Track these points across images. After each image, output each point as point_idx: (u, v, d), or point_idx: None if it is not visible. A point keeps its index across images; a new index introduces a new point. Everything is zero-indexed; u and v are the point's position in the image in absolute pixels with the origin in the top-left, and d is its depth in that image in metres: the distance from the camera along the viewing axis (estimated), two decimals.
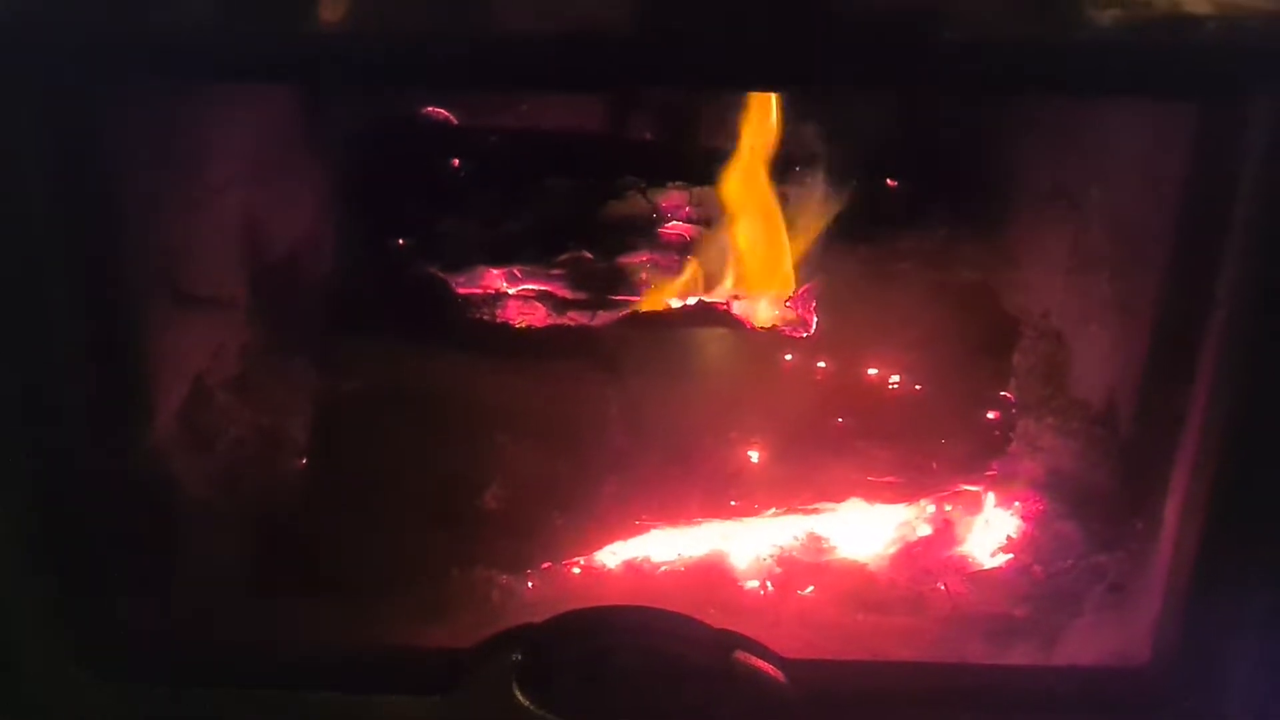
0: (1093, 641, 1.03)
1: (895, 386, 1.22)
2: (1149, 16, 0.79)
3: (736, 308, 1.30)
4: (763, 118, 1.29)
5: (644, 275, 1.35)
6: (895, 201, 1.39)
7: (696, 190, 1.38)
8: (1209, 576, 0.92)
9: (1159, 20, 0.79)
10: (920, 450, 1.17)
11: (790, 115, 1.29)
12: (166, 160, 1.09)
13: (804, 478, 1.16)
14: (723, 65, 0.86)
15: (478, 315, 1.33)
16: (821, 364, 1.23)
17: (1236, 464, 0.90)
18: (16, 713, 0.97)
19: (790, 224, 1.32)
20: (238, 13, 0.80)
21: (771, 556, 1.14)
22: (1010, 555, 1.14)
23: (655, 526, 1.15)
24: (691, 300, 1.32)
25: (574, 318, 1.33)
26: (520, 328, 1.31)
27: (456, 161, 1.41)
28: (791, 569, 1.13)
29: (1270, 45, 0.79)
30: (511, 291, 1.36)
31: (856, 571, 1.13)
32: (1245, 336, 0.88)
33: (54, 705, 0.97)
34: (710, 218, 1.36)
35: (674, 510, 1.15)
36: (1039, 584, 1.10)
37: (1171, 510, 0.95)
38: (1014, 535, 1.15)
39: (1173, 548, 0.95)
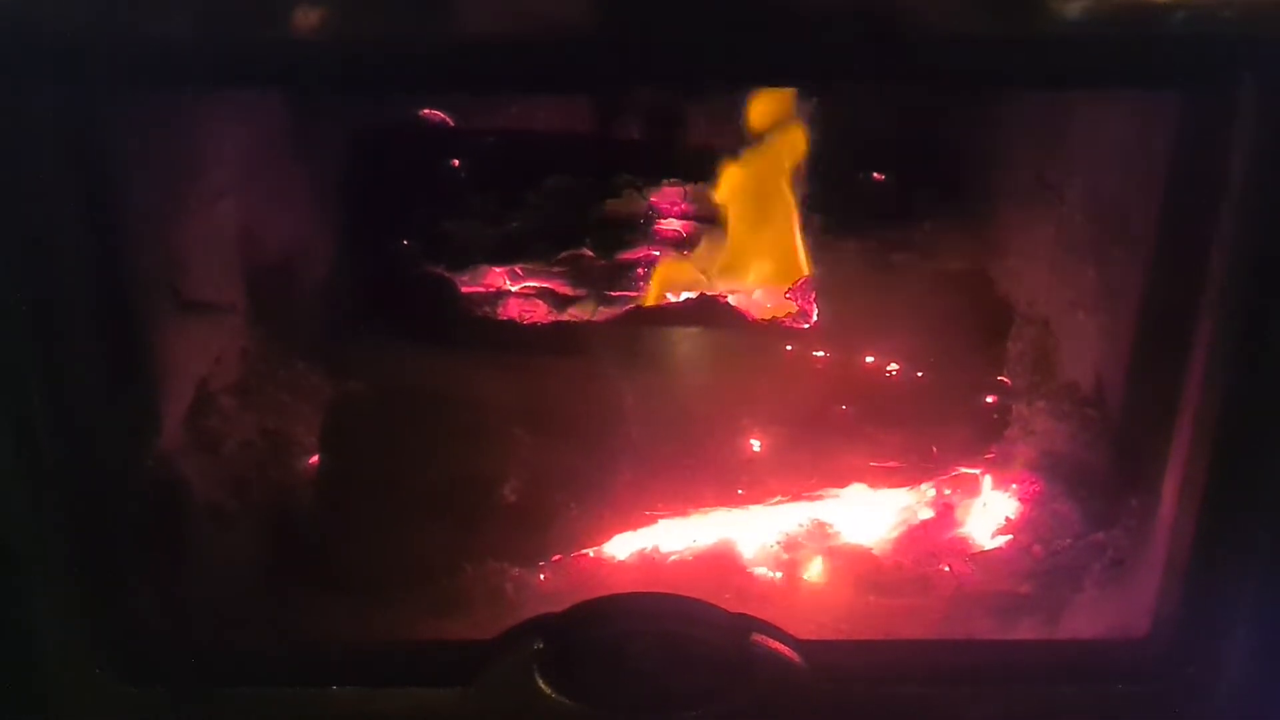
0: (1094, 615, 1.05)
1: (894, 374, 1.23)
2: (1121, 7, 0.80)
3: (736, 301, 1.32)
4: (754, 114, 1.31)
5: (643, 271, 1.37)
6: (888, 194, 1.41)
7: (691, 187, 1.40)
8: (1207, 549, 0.93)
9: (1132, 10, 0.80)
10: (920, 435, 1.19)
11: (782, 111, 1.31)
12: (167, 166, 1.09)
13: (809, 465, 1.17)
14: (701, 65, 0.86)
15: (481, 313, 1.34)
16: (822, 354, 1.24)
17: (1232, 440, 0.91)
18: (38, 716, 0.97)
19: (785, 218, 1.33)
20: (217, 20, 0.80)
21: (780, 543, 1.15)
22: (1011, 535, 1.15)
23: (664, 517, 1.16)
24: (692, 294, 1.33)
25: (575, 314, 1.34)
26: (525, 324, 1.32)
27: (456, 162, 1.42)
28: (801, 554, 1.14)
29: (1247, 30, 0.80)
30: (514, 289, 1.37)
31: (864, 555, 1.15)
32: (1237, 314, 0.89)
33: (76, 708, 0.97)
34: (706, 214, 1.38)
35: (683, 500, 1.16)
36: (1040, 562, 1.12)
37: (1169, 486, 0.96)
38: (1013, 516, 1.17)
39: (1170, 523, 0.96)
